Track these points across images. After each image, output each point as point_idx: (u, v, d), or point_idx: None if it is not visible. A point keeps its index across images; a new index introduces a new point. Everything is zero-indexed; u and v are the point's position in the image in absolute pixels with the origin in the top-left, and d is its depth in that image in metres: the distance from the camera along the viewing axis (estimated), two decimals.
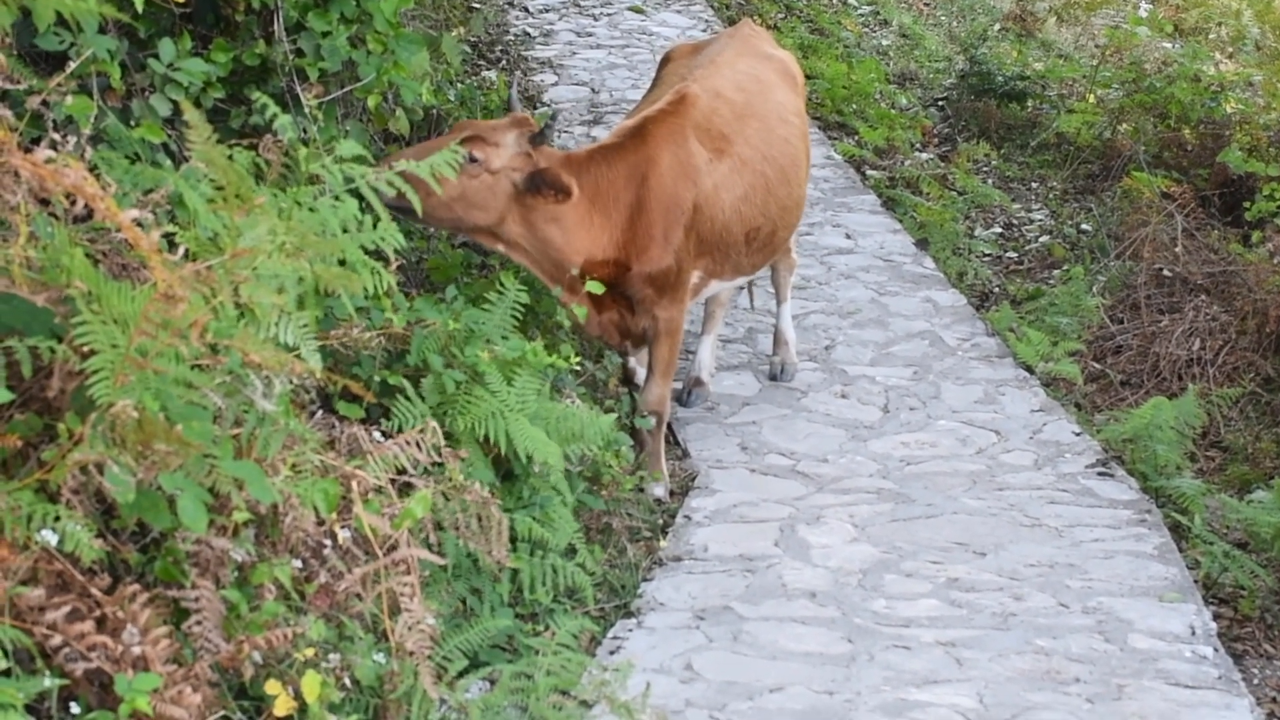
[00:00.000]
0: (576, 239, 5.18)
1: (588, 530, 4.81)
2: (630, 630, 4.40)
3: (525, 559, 4.28)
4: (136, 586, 2.94)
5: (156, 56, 4.05)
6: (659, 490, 5.43)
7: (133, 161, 3.74)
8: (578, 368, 5.23)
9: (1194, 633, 4.39)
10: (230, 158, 3.21)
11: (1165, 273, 7.18)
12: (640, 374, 5.73)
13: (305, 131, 4.43)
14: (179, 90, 4.02)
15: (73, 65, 3.49)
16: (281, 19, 4.52)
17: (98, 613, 2.86)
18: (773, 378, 6.46)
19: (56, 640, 2.79)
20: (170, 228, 3.22)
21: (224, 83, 4.37)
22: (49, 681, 2.75)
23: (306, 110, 4.41)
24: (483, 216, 5.02)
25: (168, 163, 3.92)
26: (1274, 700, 4.17)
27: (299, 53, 4.60)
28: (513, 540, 4.21)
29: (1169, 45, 11.21)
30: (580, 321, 5.27)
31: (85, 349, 2.85)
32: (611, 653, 4.23)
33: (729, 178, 5.49)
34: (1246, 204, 7.69)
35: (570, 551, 4.48)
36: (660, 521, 5.22)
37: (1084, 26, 12.57)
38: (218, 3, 4.53)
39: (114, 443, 2.80)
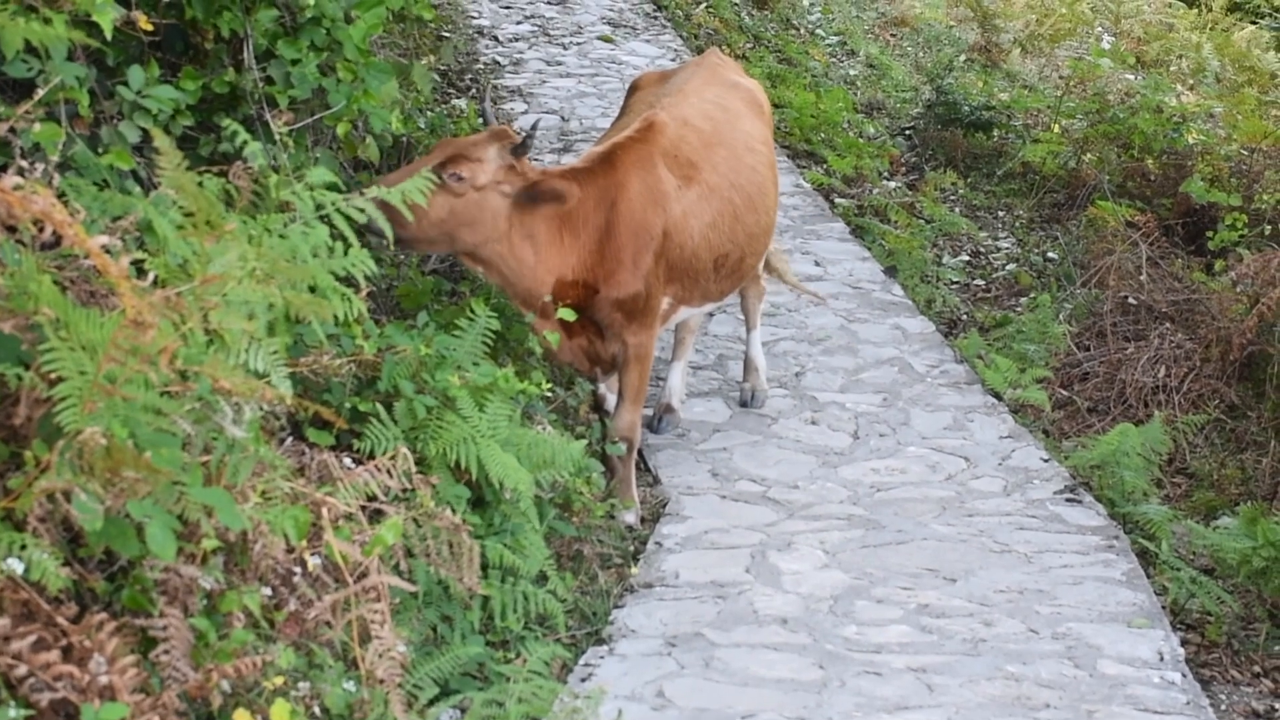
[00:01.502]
0: (548, 257, 5.19)
1: (559, 557, 4.80)
2: (602, 657, 4.39)
3: (496, 586, 4.26)
4: (104, 615, 2.90)
5: (125, 84, 4.04)
6: (630, 517, 5.43)
7: (101, 188, 3.72)
8: (549, 394, 5.22)
9: (1162, 658, 4.41)
10: (200, 184, 3.20)
11: (1130, 301, 7.26)
12: (611, 400, 5.73)
13: (275, 159, 4.42)
14: (148, 117, 4.00)
15: (41, 92, 3.48)
16: (251, 47, 4.52)
17: (64, 642, 2.82)
18: (743, 404, 6.48)
19: (21, 670, 2.75)
20: (139, 254, 3.20)
21: (193, 110, 4.35)
22: (14, 712, 2.71)
23: (276, 138, 4.40)
24: (473, 234, 5.03)
25: (137, 190, 3.91)
26: None
27: (268, 80, 4.60)
28: (484, 567, 4.19)
29: (1131, 77, 11.38)
30: (552, 347, 5.28)
31: (52, 376, 2.82)
32: (583, 680, 4.22)
33: (697, 204, 5.52)
34: (1209, 233, 7.80)
35: (541, 578, 4.46)
36: (631, 548, 5.21)
37: (1048, 58, 12.74)
38: (187, 30, 4.52)
39: (81, 470, 2.78)
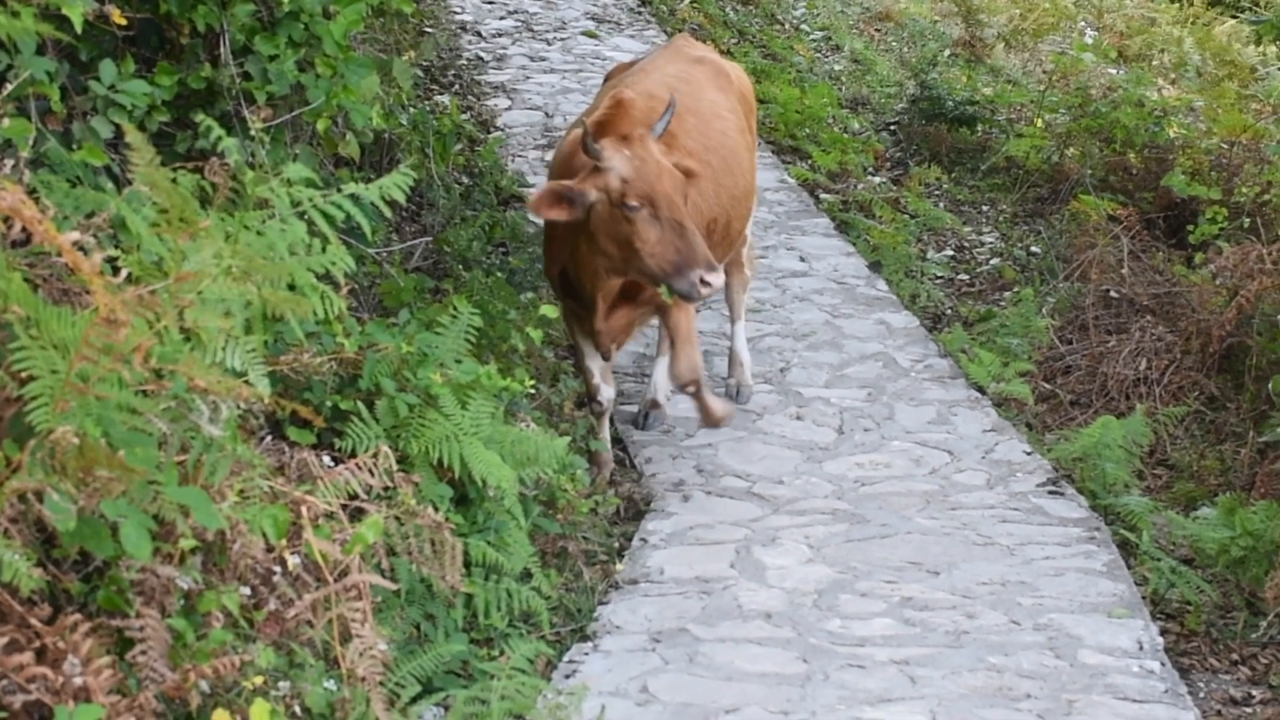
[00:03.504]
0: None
1: (543, 554, 4.79)
2: (586, 654, 4.38)
3: (480, 584, 4.26)
4: (78, 616, 2.88)
5: (98, 79, 4.01)
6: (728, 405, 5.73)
7: (74, 185, 3.69)
8: (532, 391, 5.22)
9: (1142, 648, 4.43)
10: (174, 180, 3.18)
11: (1112, 294, 7.27)
12: (607, 393, 5.77)
13: (253, 156, 4.40)
14: (122, 113, 3.97)
15: (10, 87, 3.45)
16: (228, 42, 4.49)
17: (37, 643, 2.80)
18: (728, 399, 6.47)
19: None
20: (113, 252, 3.18)
21: (169, 107, 4.33)
22: None
23: (254, 134, 4.37)
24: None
25: (110, 186, 3.88)
26: (1219, 714, 4.21)
27: (246, 76, 4.57)
28: (467, 565, 4.18)
29: (1114, 71, 11.40)
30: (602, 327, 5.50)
31: (24, 375, 2.80)
32: (567, 676, 4.21)
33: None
34: (1190, 226, 7.81)
35: (525, 576, 4.46)
36: (616, 545, 5.20)
37: (1031, 52, 12.75)
38: (162, 25, 4.49)
39: (54, 470, 2.76)
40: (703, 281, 5.05)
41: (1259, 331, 6.39)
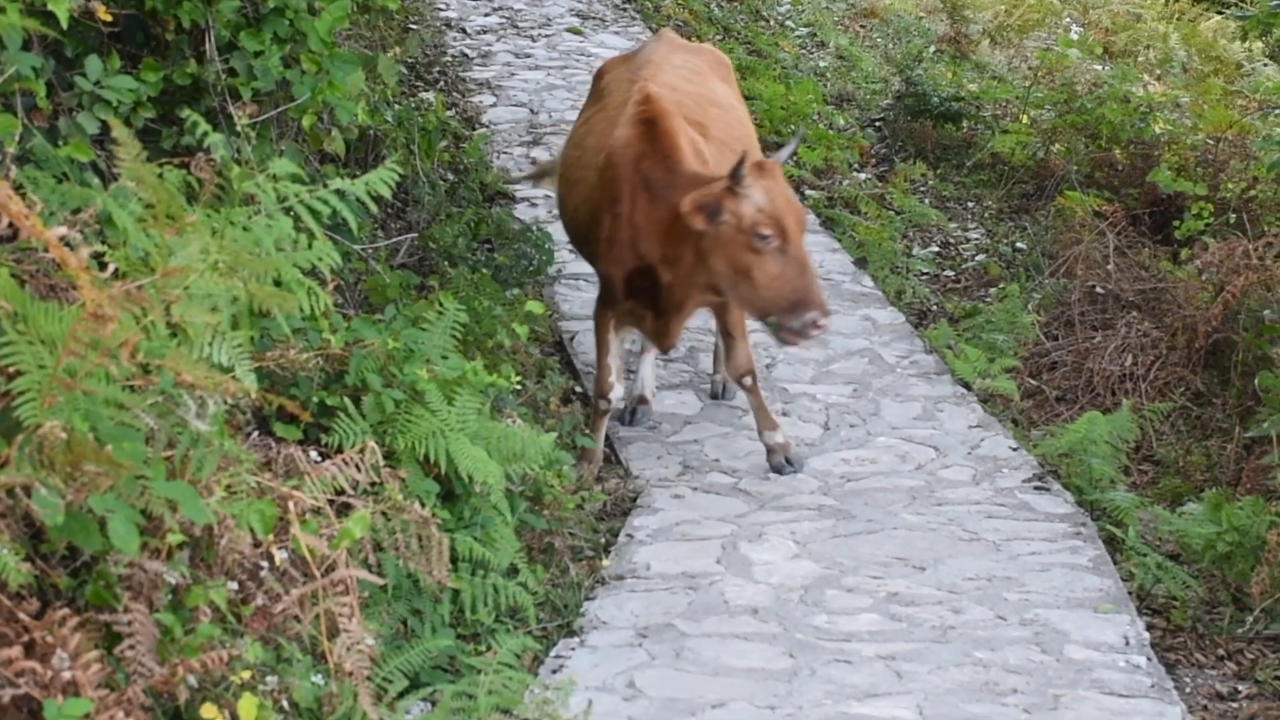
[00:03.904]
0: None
1: (530, 550, 4.80)
2: (573, 649, 4.39)
3: (467, 579, 4.26)
4: (66, 611, 2.88)
5: (84, 75, 4.00)
6: (778, 437, 5.72)
7: (60, 181, 3.69)
8: (518, 387, 5.22)
9: (1128, 643, 4.45)
10: (161, 176, 3.18)
11: (1098, 290, 7.30)
12: (618, 390, 5.80)
13: (239, 152, 4.39)
14: (107, 109, 3.97)
15: None
16: (213, 38, 4.49)
17: (26, 638, 2.80)
18: (714, 396, 6.49)
19: None
20: (99, 247, 3.17)
21: (155, 103, 4.32)
22: None
23: (239, 130, 4.37)
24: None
25: (96, 182, 3.87)
26: (1205, 708, 4.23)
27: (231, 72, 4.56)
28: (454, 560, 4.18)
29: (1099, 67, 11.43)
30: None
31: (11, 370, 2.80)
32: (554, 671, 4.22)
33: (718, 157, 5.60)
34: (1175, 222, 7.84)
35: (512, 571, 4.46)
36: (603, 540, 5.21)
37: (1016, 49, 12.79)
38: (147, 21, 4.48)
39: (42, 464, 2.76)
40: (815, 324, 5.06)
41: (1245, 327, 6.42)
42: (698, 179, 5.29)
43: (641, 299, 5.59)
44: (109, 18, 3.98)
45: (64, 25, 3.46)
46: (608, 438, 6.09)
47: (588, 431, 5.67)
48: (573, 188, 5.87)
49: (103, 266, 3.09)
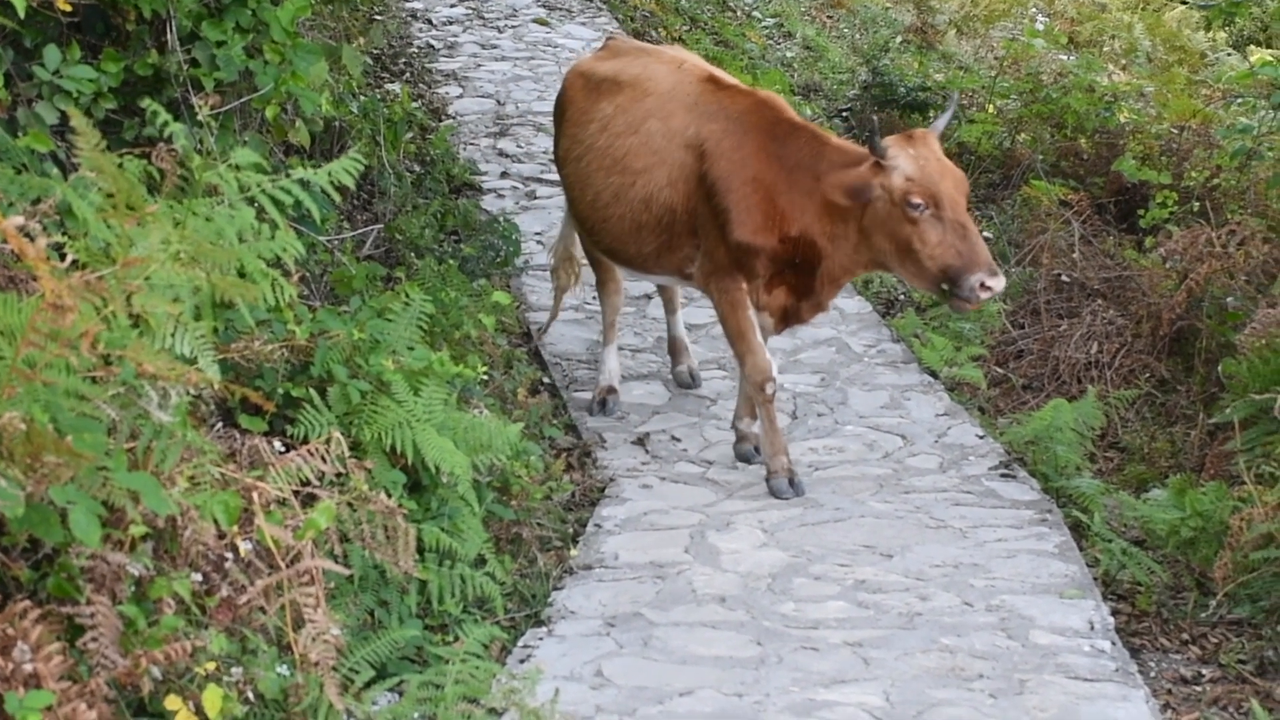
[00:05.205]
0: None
1: (497, 540, 4.79)
2: (541, 639, 4.39)
3: (434, 569, 4.25)
4: (28, 603, 2.86)
5: (43, 65, 3.96)
6: (755, 428, 5.65)
7: (19, 172, 3.65)
8: (486, 378, 5.21)
9: (1093, 628, 4.48)
10: (121, 166, 3.15)
11: (1064, 278, 7.34)
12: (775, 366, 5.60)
13: (201, 143, 4.36)
14: (67, 99, 3.93)
15: None
16: (175, 28, 4.45)
17: None
18: (682, 386, 6.49)
19: None
20: (59, 238, 3.15)
21: (116, 93, 4.28)
22: None
23: (202, 121, 4.34)
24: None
25: (56, 172, 3.84)
26: (1169, 692, 4.26)
27: (193, 62, 4.53)
28: (421, 551, 4.17)
29: (1065, 57, 11.48)
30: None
31: None
32: (521, 661, 4.21)
33: None
34: (1140, 211, 7.89)
35: (480, 561, 4.45)
36: (570, 530, 5.21)
37: (983, 39, 12.84)
38: (107, 11, 4.44)
39: (1, 456, 2.73)
40: (983, 286, 4.99)
41: (1208, 315, 6.47)
42: (843, 152, 5.31)
43: (784, 274, 5.46)
44: (68, 7, 3.94)
45: (21, 15, 3.43)
46: (574, 428, 6.09)
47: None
48: (637, 178, 5.59)
49: (62, 257, 3.06)
